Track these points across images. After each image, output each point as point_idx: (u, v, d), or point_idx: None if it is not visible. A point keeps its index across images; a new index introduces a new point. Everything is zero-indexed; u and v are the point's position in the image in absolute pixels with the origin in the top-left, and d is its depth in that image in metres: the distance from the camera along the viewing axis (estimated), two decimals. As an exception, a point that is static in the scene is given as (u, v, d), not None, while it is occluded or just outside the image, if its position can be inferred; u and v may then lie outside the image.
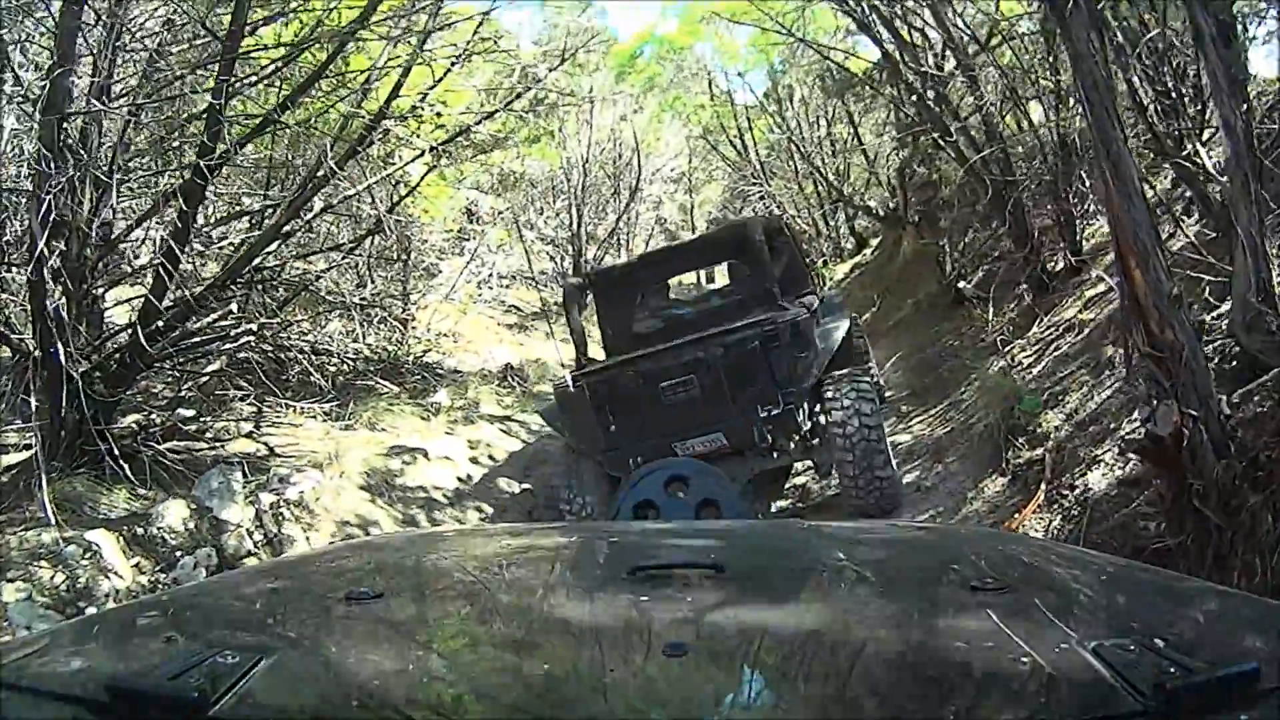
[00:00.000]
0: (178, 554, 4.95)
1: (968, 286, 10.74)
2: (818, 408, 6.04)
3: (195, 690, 0.85)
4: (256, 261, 6.50)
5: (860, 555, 1.60)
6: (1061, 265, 8.45)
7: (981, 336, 9.24)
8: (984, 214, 10.98)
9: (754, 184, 18.73)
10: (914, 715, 0.91)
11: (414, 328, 11.30)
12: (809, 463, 6.44)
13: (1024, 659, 0.94)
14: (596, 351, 7.19)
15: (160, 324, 5.50)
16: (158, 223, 5.61)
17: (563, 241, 16.32)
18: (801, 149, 16.59)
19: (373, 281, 10.71)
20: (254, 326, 6.50)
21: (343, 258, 8.32)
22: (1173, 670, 0.85)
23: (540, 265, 17.21)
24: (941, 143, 9.00)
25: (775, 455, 5.99)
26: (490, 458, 8.09)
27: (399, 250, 11.34)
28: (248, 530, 5.38)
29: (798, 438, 5.97)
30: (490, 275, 15.04)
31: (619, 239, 17.91)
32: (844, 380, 5.78)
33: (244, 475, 5.79)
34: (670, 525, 2.20)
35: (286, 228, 6.45)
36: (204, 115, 5.29)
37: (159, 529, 5.02)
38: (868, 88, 11.65)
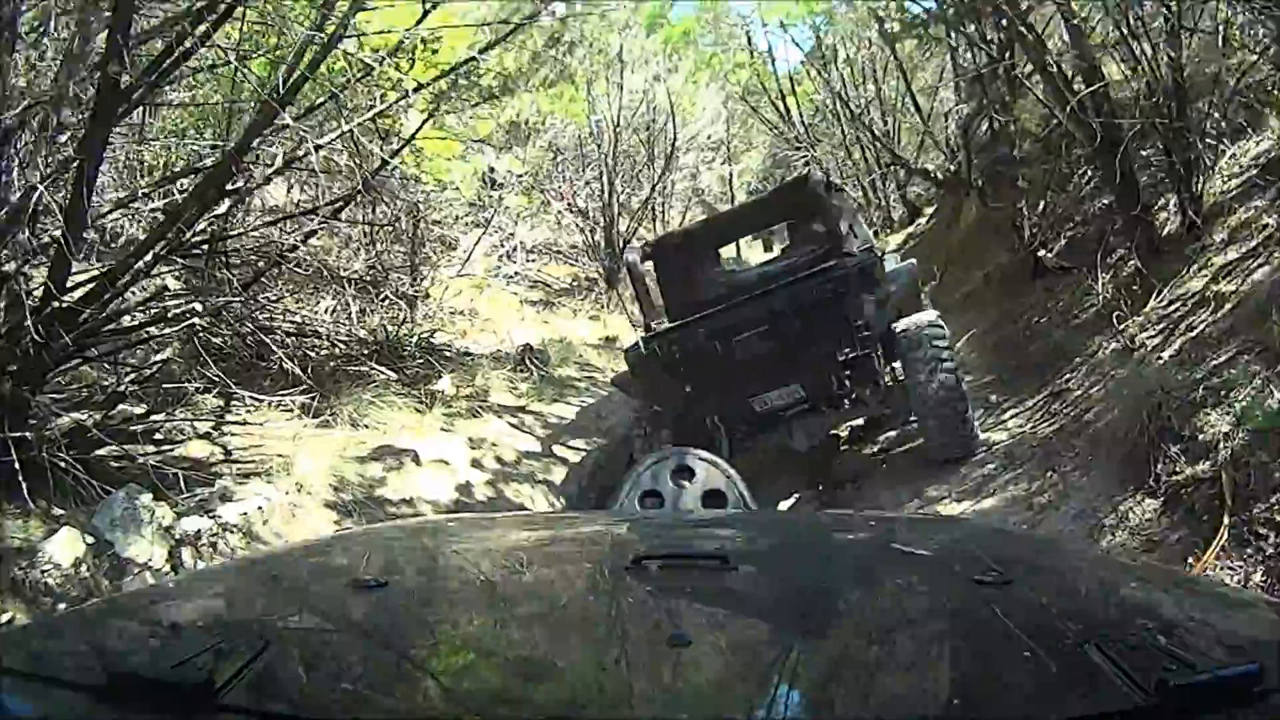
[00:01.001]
0: (61, 606, 3.71)
1: (1049, 255, 9.40)
2: (893, 353, 5.97)
3: (200, 677, 0.84)
4: (202, 227, 5.38)
5: (864, 547, 1.65)
6: (1176, 226, 7.08)
7: (1075, 312, 7.92)
8: (1068, 170, 9.62)
9: (798, 149, 17.35)
10: (916, 707, 0.91)
11: (426, 305, 10.20)
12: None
13: (1026, 653, 0.95)
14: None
15: (63, 304, 4.32)
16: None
17: (594, 212, 15.10)
18: (851, 108, 15.14)
19: (374, 253, 9.60)
20: (198, 305, 5.29)
21: (320, 222, 7.10)
22: (1174, 668, 0.84)
23: (570, 238, 16.07)
24: (1028, 84, 7.66)
25: (853, 407, 6.08)
26: (497, 460, 6.91)
27: (407, 218, 10.23)
28: (158, 572, 4.11)
29: (873, 385, 5.90)
30: (514, 248, 13.93)
31: (654, 210, 16.68)
32: (917, 327, 5.75)
33: (178, 491, 4.61)
34: (675, 516, 2.21)
35: (232, 185, 5.25)
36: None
37: (43, 571, 3.80)
38: (935, 27, 10.21)
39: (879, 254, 6.01)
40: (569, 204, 15.14)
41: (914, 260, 6.81)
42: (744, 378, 5.65)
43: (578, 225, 15.32)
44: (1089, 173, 9.92)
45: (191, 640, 1.00)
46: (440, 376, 8.25)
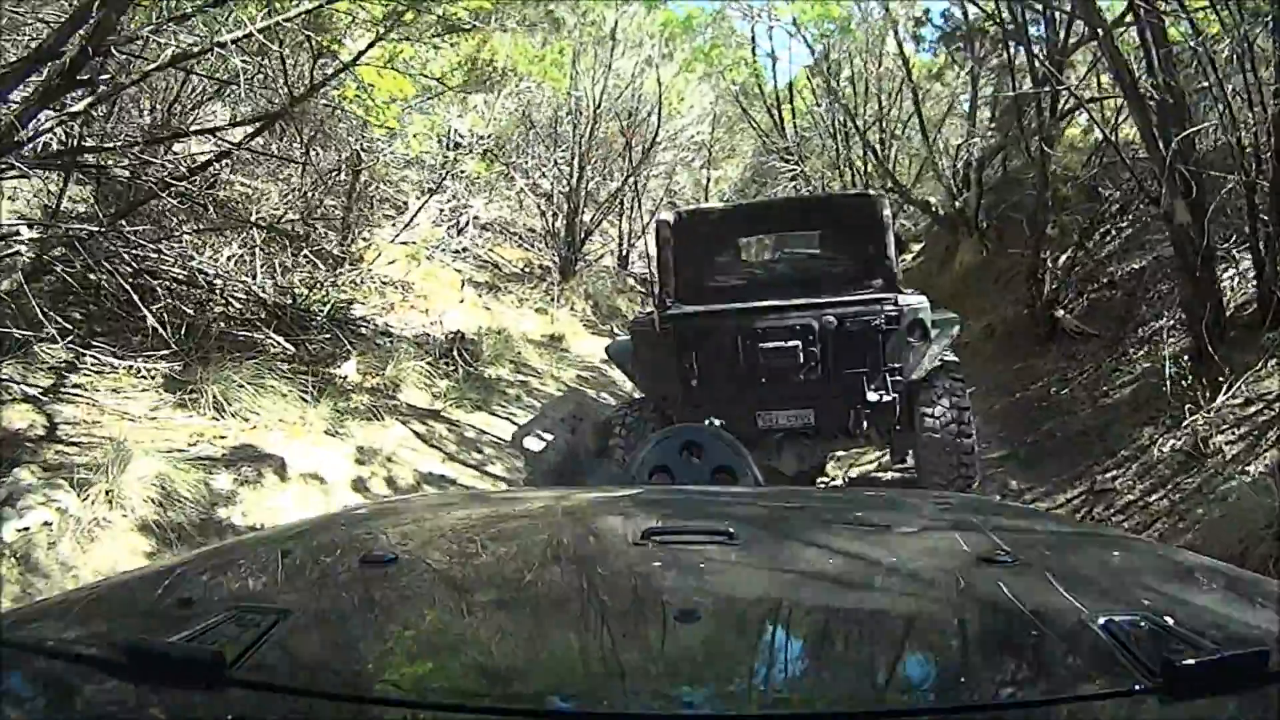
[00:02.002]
0: None
1: (1067, 316, 8.30)
2: (913, 400, 5.58)
3: (213, 651, 0.83)
4: (49, 125, 3.96)
5: (871, 524, 1.60)
6: (1253, 308, 5.96)
7: (1103, 388, 6.81)
8: (1105, 222, 8.55)
9: (786, 161, 16.17)
10: (922, 685, 0.90)
11: (353, 270, 8.77)
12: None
13: (1032, 632, 0.95)
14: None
15: None
16: None
17: (559, 196, 13.70)
18: (856, 123, 13.96)
19: (303, 201, 8.16)
20: (26, 229, 3.85)
21: (218, 155, 5.63)
22: (1182, 649, 0.82)
23: (530, 220, 14.67)
24: (1090, 113, 6.51)
25: (852, 439, 5.87)
26: (388, 483, 5.38)
27: (347, 167, 8.81)
28: None
29: (888, 429, 5.73)
30: (466, 221, 12.49)
31: (623, 204, 15.33)
32: (939, 372, 5.55)
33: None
34: (684, 491, 2.22)
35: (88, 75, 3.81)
36: None
37: None
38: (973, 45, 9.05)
39: (930, 301, 5.56)
40: (533, 182, 13.77)
41: (958, 315, 6.05)
42: (758, 388, 5.31)
43: (539, 207, 13.93)
44: (1125, 227, 8.88)
45: (205, 614, 0.94)
46: (346, 358, 6.83)
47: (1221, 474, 4.59)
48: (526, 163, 13.86)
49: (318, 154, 8.47)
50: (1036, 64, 8.33)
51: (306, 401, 5.67)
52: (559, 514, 1.70)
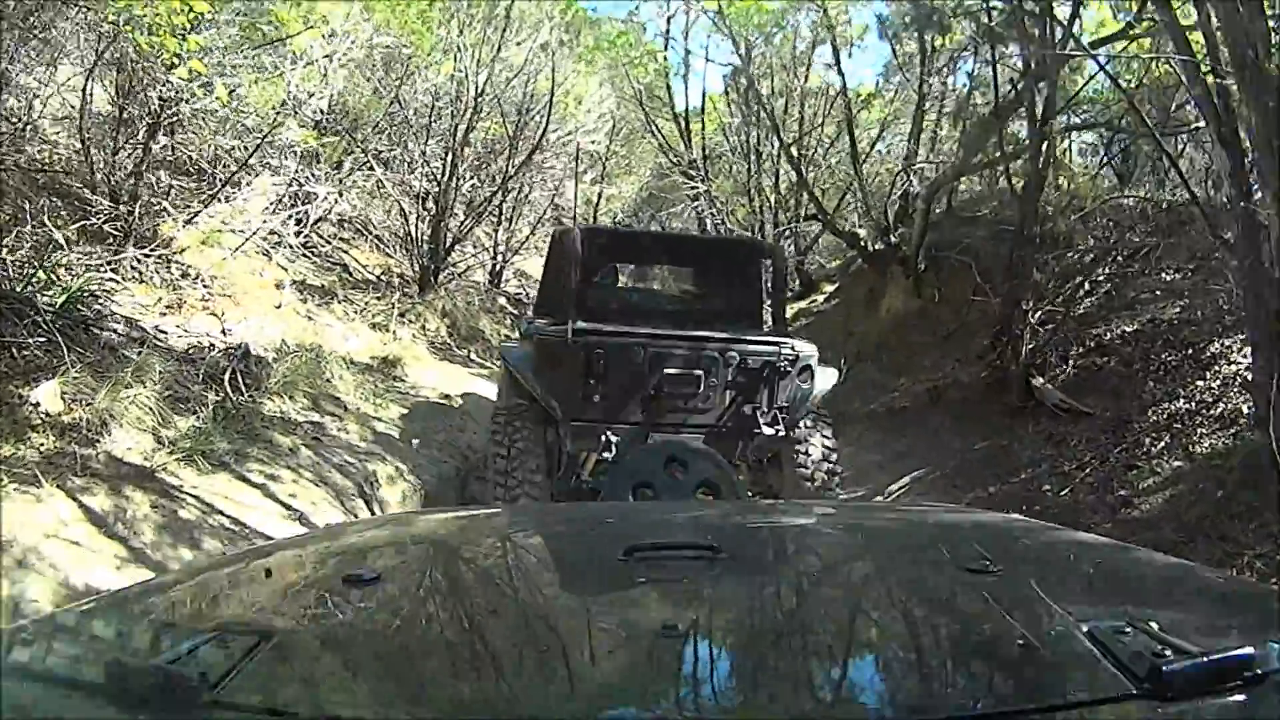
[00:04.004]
0: None
1: (1045, 385, 6.55)
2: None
3: (196, 674, 0.83)
4: None
5: (856, 537, 1.63)
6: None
7: (1120, 492, 5.05)
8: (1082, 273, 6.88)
9: (689, 178, 14.36)
10: (909, 695, 0.90)
11: (123, 250, 6.44)
12: None
13: (1018, 640, 0.94)
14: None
15: None
16: None
17: (430, 195, 11.42)
18: (781, 137, 12.16)
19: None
20: None
21: None
22: (1166, 653, 0.83)
23: (392, 221, 12.30)
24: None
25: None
26: None
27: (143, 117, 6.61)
28: None
29: (764, 463, 5.92)
30: (313, 213, 10.06)
31: (500, 211, 13.10)
32: (816, 417, 5.75)
33: None
34: (667, 506, 2.21)
35: None
36: None
37: None
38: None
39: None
40: (401, 179, 11.47)
41: (835, 370, 6.16)
42: (655, 409, 5.36)
43: (399, 205, 11.60)
44: (1105, 280, 7.26)
45: (188, 636, 0.94)
46: (49, 377, 4.45)
47: None
48: (391, 151, 11.60)
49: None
50: (1033, 64, 6.60)
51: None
52: (542, 531, 1.71)
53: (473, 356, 9.92)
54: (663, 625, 1.02)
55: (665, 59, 14.68)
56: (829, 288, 13.66)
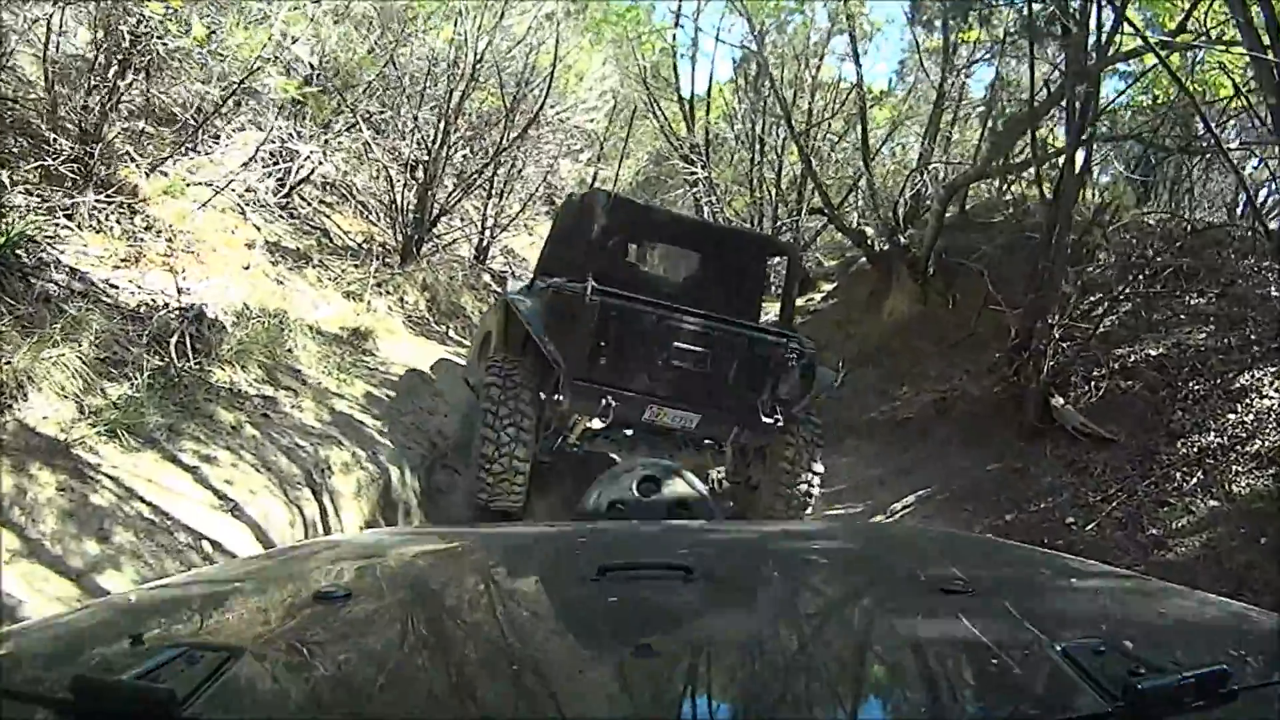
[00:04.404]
0: None
1: (1065, 407, 6.12)
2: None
3: (165, 689, 0.82)
4: None
5: (830, 557, 1.63)
6: None
7: (1152, 531, 4.64)
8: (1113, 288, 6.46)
9: (689, 163, 13.89)
10: (884, 716, 0.90)
11: (80, 197, 5.90)
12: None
13: (993, 660, 0.94)
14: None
15: None
16: None
17: (419, 162, 10.87)
18: (792, 127, 11.68)
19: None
20: None
21: None
22: (1141, 671, 0.83)
23: (378, 185, 11.74)
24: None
25: (711, 460, 6.21)
26: None
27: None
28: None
29: (752, 456, 6.11)
30: (297, 172, 9.51)
31: (490, 185, 12.57)
32: (807, 416, 5.88)
33: None
34: (640, 526, 2.19)
35: None
36: None
37: None
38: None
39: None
40: (391, 143, 10.93)
41: (834, 372, 6.47)
42: (659, 381, 5.40)
43: (388, 172, 11.05)
44: (1125, 300, 6.85)
45: (157, 651, 0.93)
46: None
47: None
48: (382, 114, 11.06)
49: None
50: (1074, 64, 6.15)
51: None
52: (514, 550, 1.69)
53: (451, 334, 9.40)
54: (635, 645, 1.01)
55: (675, 37, 14.18)
56: (827, 286, 13.22)
